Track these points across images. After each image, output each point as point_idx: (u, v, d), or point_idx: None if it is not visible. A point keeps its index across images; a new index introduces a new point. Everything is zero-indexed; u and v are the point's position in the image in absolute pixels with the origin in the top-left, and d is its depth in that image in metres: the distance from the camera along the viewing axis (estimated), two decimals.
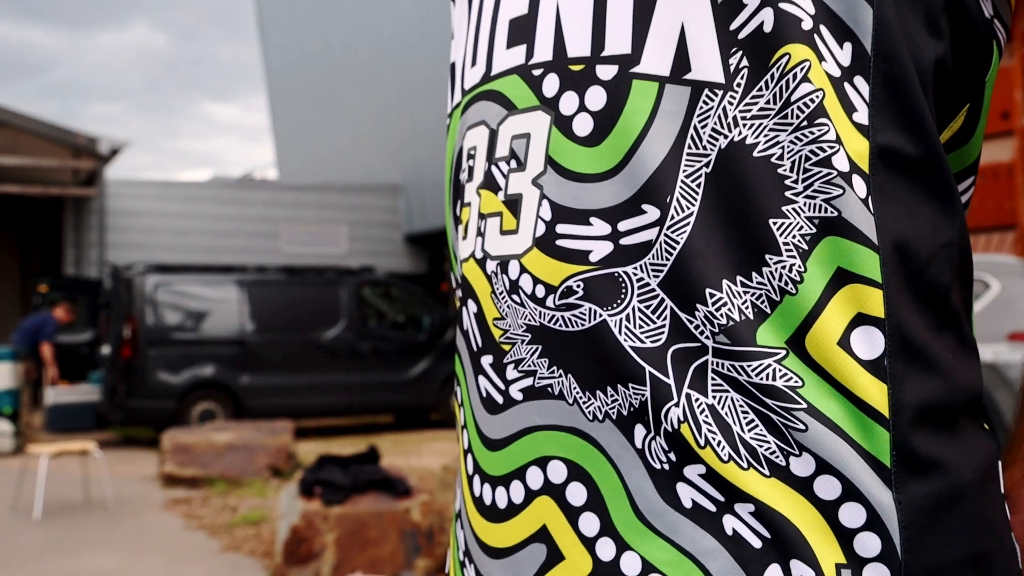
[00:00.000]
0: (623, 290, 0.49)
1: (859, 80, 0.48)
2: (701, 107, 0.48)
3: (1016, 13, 0.55)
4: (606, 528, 0.50)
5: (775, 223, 0.47)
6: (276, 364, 10.38)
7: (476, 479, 0.57)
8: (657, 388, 0.48)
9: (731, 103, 0.48)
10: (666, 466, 0.49)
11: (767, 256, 0.47)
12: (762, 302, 0.47)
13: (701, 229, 0.48)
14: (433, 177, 17.02)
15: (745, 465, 0.47)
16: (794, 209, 0.47)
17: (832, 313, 0.46)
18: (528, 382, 0.53)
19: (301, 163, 22.62)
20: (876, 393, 0.46)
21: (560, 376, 0.51)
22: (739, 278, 0.47)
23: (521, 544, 0.54)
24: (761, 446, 0.47)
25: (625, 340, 0.49)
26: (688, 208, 0.48)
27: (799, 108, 0.47)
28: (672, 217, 0.48)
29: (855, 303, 0.47)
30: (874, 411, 0.46)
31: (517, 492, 0.54)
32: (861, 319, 0.47)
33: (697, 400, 0.48)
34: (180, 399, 9.92)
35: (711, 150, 0.48)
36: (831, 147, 0.47)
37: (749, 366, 0.47)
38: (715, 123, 0.48)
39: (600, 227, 0.50)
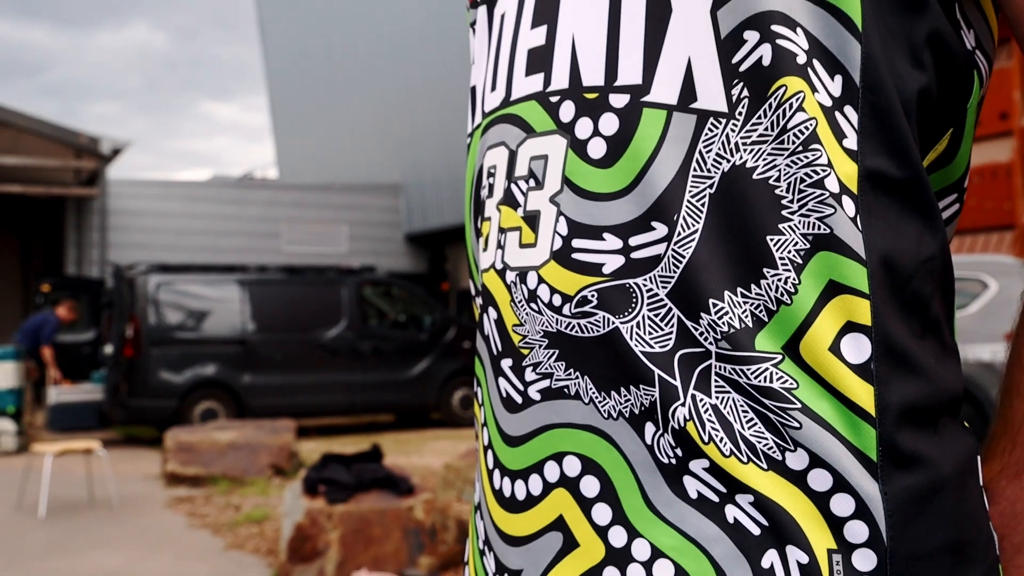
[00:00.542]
0: (634, 300, 0.54)
1: (849, 109, 0.52)
2: (706, 133, 0.53)
3: (1003, 22, 0.59)
4: (618, 517, 0.55)
5: (772, 239, 0.52)
6: (277, 363, 10.43)
7: (496, 473, 0.62)
8: (665, 389, 0.53)
9: (733, 130, 0.52)
10: (673, 460, 0.53)
11: (765, 270, 0.52)
12: (760, 311, 0.52)
13: (705, 245, 0.53)
14: (433, 177, 17.05)
15: (745, 459, 0.51)
16: (790, 227, 0.52)
17: (824, 321, 0.51)
18: (546, 384, 0.57)
19: (301, 163, 22.66)
20: (864, 394, 0.51)
21: (576, 378, 0.56)
22: (740, 289, 0.52)
23: (539, 533, 0.58)
24: (760, 442, 0.51)
25: (636, 345, 0.54)
26: (693, 225, 0.53)
27: (795, 135, 0.52)
28: (679, 233, 0.53)
29: (845, 312, 0.51)
30: (862, 410, 0.51)
31: (535, 485, 0.58)
32: (850, 327, 0.51)
33: (702, 400, 0.52)
34: (182, 398, 9.96)
35: (715, 172, 0.53)
36: (823, 170, 0.51)
37: (749, 369, 0.52)
38: (719, 148, 0.53)
39: (613, 242, 0.55)
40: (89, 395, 11.15)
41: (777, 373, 0.51)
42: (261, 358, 10.38)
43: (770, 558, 0.51)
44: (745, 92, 0.52)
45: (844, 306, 0.51)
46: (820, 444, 0.51)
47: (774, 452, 0.51)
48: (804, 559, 0.50)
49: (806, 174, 0.51)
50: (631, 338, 0.54)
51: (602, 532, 0.55)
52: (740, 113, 0.52)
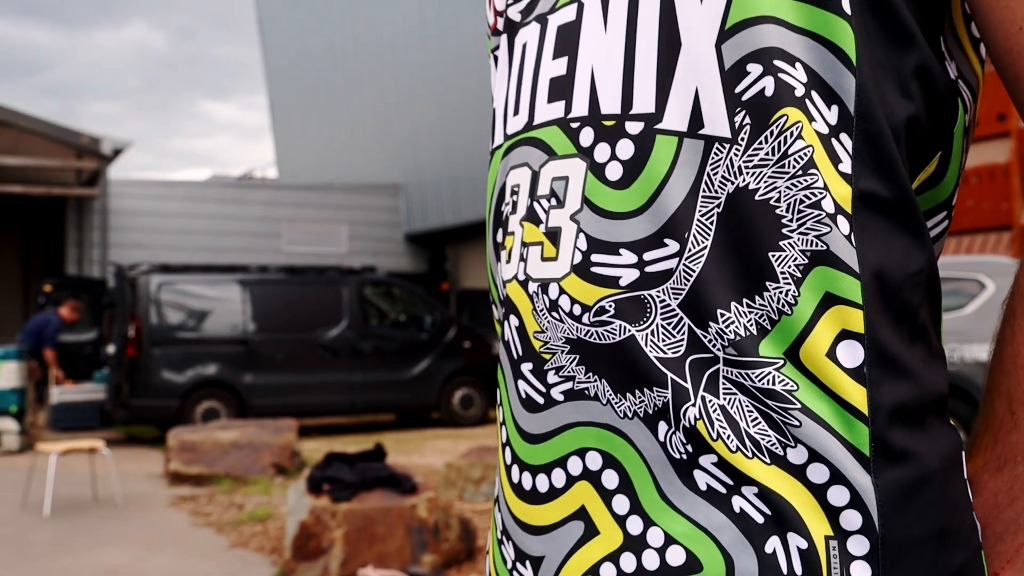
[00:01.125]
0: (648, 310, 0.59)
1: (844, 136, 0.57)
2: (713, 158, 0.58)
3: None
4: (635, 507, 0.60)
5: (774, 255, 0.57)
6: (279, 363, 10.48)
7: (515, 468, 0.67)
8: (677, 391, 0.58)
9: (736, 154, 0.58)
10: (684, 456, 0.58)
11: (767, 283, 0.57)
12: (764, 320, 0.57)
13: (713, 260, 0.58)
14: (433, 177, 17.09)
15: (750, 455, 0.57)
16: (790, 243, 0.57)
17: (821, 330, 0.56)
18: (568, 386, 0.63)
19: (301, 163, 22.68)
20: (857, 395, 0.56)
21: (595, 381, 0.61)
22: (745, 301, 0.57)
23: (561, 522, 0.63)
24: (763, 439, 0.57)
25: (650, 351, 0.59)
26: (703, 242, 0.58)
27: (794, 160, 0.57)
28: (689, 250, 0.58)
29: (840, 321, 0.57)
30: (856, 410, 0.56)
31: (559, 478, 0.63)
32: (845, 334, 0.56)
33: (710, 401, 0.58)
34: (184, 398, 10.01)
35: (721, 194, 0.58)
36: (820, 192, 0.57)
37: (753, 373, 0.57)
38: (724, 171, 0.58)
39: (628, 257, 0.60)
40: (91, 395, 11.19)
41: (779, 376, 0.57)
42: (262, 358, 10.43)
43: (773, 544, 0.56)
44: (747, 120, 0.58)
45: (839, 316, 0.56)
46: (818, 441, 0.56)
47: (776, 448, 0.56)
48: (804, 545, 0.55)
49: (804, 196, 0.57)
50: (645, 345, 0.59)
51: (620, 521, 0.60)
52: (742, 139, 0.58)
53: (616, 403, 0.60)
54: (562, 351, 0.63)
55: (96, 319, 12.44)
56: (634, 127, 0.60)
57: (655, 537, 0.59)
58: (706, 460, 0.58)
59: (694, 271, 0.58)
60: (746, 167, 0.57)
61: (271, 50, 23.54)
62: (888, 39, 0.59)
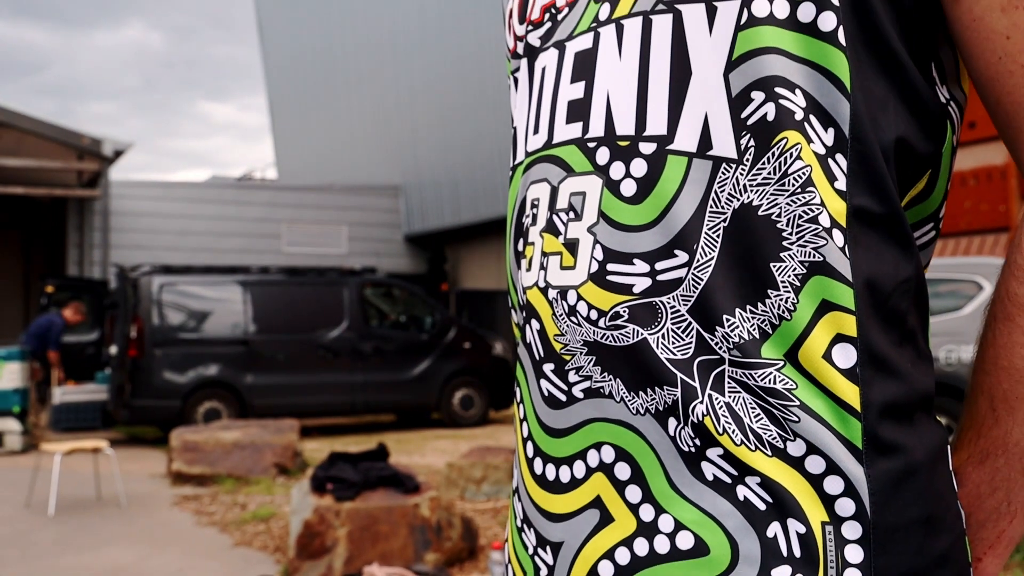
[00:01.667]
0: (659, 315, 0.65)
1: (839, 157, 0.63)
2: (720, 176, 0.63)
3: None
4: (647, 496, 0.65)
5: (775, 266, 0.62)
6: (280, 364, 10.53)
7: (537, 460, 0.73)
8: (686, 390, 0.64)
9: (742, 174, 0.63)
10: (692, 449, 0.64)
11: (769, 291, 0.62)
12: (765, 325, 0.62)
13: (720, 269, 0.63)
14: (433, 178, 17.14)
15: (753, 448, 0.62)
16: (789, 255, 0.62)
17: (818, 333, 0.62)
18: (586, 384, 0.68)
19: (301, 163, 22.72)
20: (851, 393, 0.61)
21: (611, 380, 0.67)
22: (748, 307, 0.63)
23: (579, 510, 0.69)
24: (765, 433, 0.62)
25: (661, 353, 0.64)
26: (710, 253, 0.63)
27: (794, 179, 0.62)
28: (698, 260, 0.64)
29: (835, 326, 0.62)
30: (850, 407, 0.61)
31: (579, 469, 0.69)
32: (840, 338, 0.62)
33: (717, 399, 0.63)
34: (185, 398, 10.06)
35: (728, 209, 0.63)
36: (817, 208, 0.62)
37: (756, 373, 0.62)
38: (730, 189, 0.63)
39: (641, 266, 0.65)
40: (93, 395, 11.24)
41: (779, 376, 0.62)
42: (264, 358, 10.48)
43: (774, 529, 0.61)
44: (751, 142, 0.63)
45: (835, 321, 0.62)
46: (815, 435, 0.61)
47: (777, 442, 0.62)
48: (802, 530, 0.61)
49: (803, 211, 0.62)
50: (657, 347, 0.65)
51: (634, 509, 0.66)
52: (747, 160, 0.63)
53: (630, 401, 0.66)
54: (580, 353, 0.68)
55: (98, 320, 12.48)
56: (647, 147, 0.66)
57: (666, 523, 0.64)
58: (713, 453, 0.63)
59: (702, 280, 0.63)
60: (750, 185, 0.63)
61: (271, 51, 23.58)
62: (880, 67, 0.64)
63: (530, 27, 0.78)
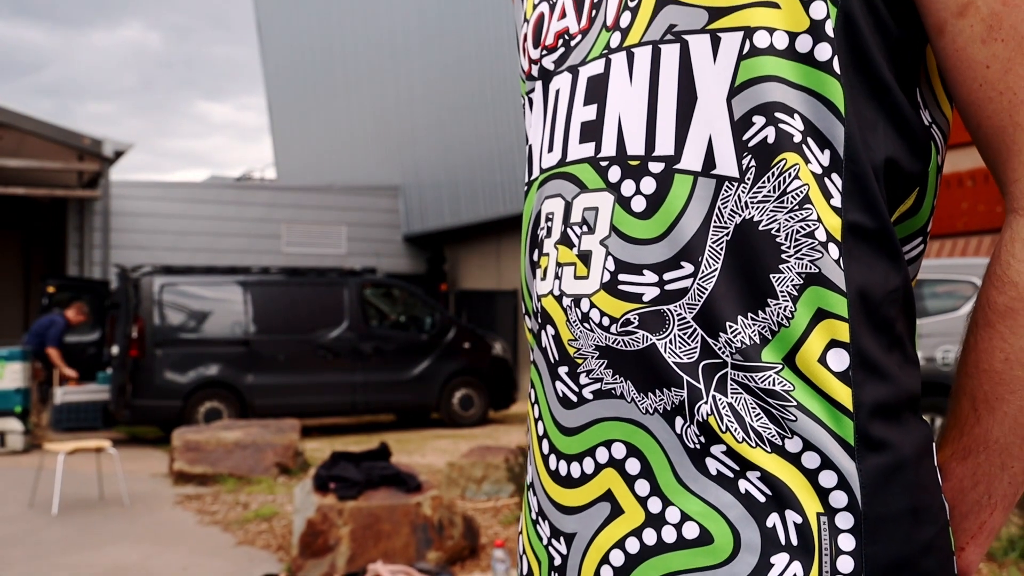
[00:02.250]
0: (667, 322, 0.70)
1: (835, 176, 0.68)
2: (723, 194, 0.69)
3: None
4: (655, 490, 0.70)
5: (774, 277, 0.67)
6: (280, 364, 10.58)
7: (552, 457, 0.78)
8: (691, 391, 0.69)
9: (743, 192, 0.68)
10: (697, 446, 0.69)
11: (769, 300, 0.68)
12: (766, 331, 0.68)
13: (723, 280, 0.68)
14: (432, 178, 17.19)
15: (754, 445, 0.67)
16: (788, 267, 0.67)
17: (814, 339, 0.67)
18: (597, 386, 0.73)
19: (300, 164, 22.75)
20: (844, 395, 0.67)
21: (621, 382, 0.72)
22: (749, 314, 0.68)
23: (591, 503, 0.74)
24: (765, 431, 0.67)
25: (669, 357, 0.70)
26: (714, 265, 0.69)
27: (792, 196, 0.67)
28: (702, 271, 0.69)
29: (829, 332, 0.67)
30: (843, 407, 0.67)
31: (589, 465, 0.74)
32: (834, 343, 0.67)
33: (720, 399, 0.68)
34: (186, 398, 10.10)
35: (730, 224, 0.68)
36: (814, 224, 0.67)
37: (757, 376, 0.67)
38: (733, 205, 0.68)
39: (650, 277, 0.70)
40: (94, 395, 11.28)
41: (778, 379, 0.67)
42: (264, 358, 10.53)
43: (773, 519, 0.66)
44: (753, 162, 0.68)
45: (829, 328, 0.67)
46: (811, 433, 0.66)
47: (776, 439, 0.67)
48: (799, 520, 0.66)
49: (801, 227, 0.67)
50: (664, 351, 0.70)
51: (642, 502, 0.71)
52: (749, 179, 0.68)
53: (639, 401, 0.71)
54: (592, 356, 0.73)
55: (99, 320, 12.53)
56: (656, 166, 0.71)
57: (672, 515, 0.70)
58: (716, 449, 0.68)
59: (706, 289, 0.69)
60: (752, 202, 0.68)
61: (270, 51, 23.61)
62: (870, 93, 0.69)
63: (544, 51, 0.83)
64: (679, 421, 0.70)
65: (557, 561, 0.77)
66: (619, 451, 0.72)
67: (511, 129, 14.56)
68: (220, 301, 10.59)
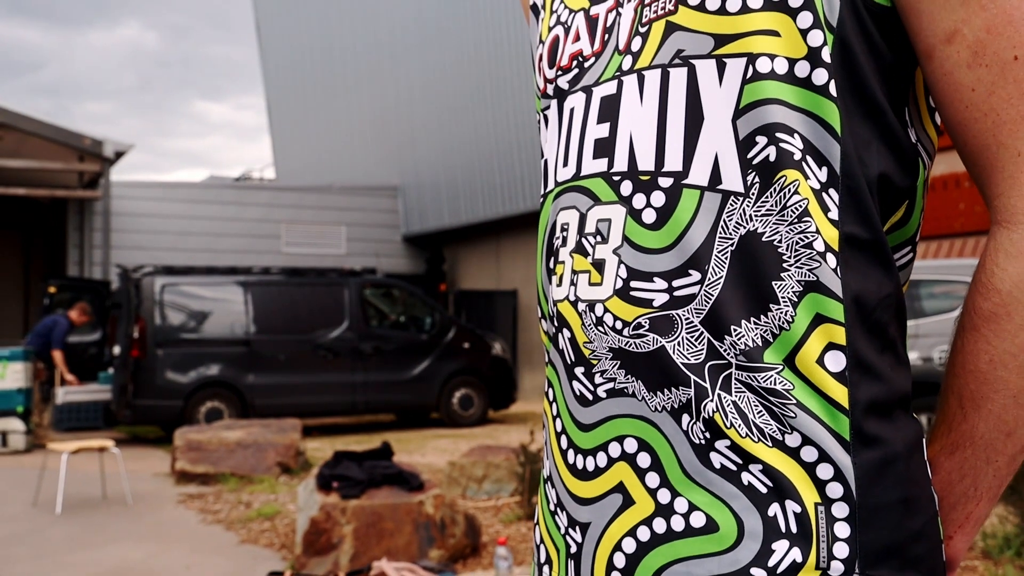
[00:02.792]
0: (676, 325, 0.75)
1: (832, 191, 0.73)
2: (728, 207, 0.74)
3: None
4: (664, 482, 0.76)
5: (776, 284, 0.73)
6: (281, 364, 10.63)
7: (569, 452, 0.83)
8: (698, 390, 0.74)
9: (748, 205, 0.73)
10: (703, 441, 0.74)
11: (771, 305, 0.73)
12: (768, 334, 0.73)
13: (728, 287, 0.74)
14: (431, 178, 17.23)
15: (756, 440, 0.72)
16: (788, 275, 0.73)
17: (812, 342, 0.72)
18: (610, 385, 0.78)
19: (299, 164, 22.77)
20: (840, 394, 0.72)
21: (633, 381, 0.77)
22: (752, 319, 0.73)
23: (604, 495, 0.79)
24: (766, 427, 0.72)
25: (677, 358, 0.75)
26: (719, 273, 0.74)
27: (792, 210, 0.73)
28: (709, 278, 0.74)
29: (827, 335, 0.72)
30: (839, 405, 0.72)
31: (602, 459, 0.79)
32: (831, 346, 0.72)
33: (725, 398, 0.73)
34: (187, 398, 10.15)
35: (735, 235, 0.74)
36: (813, 236, 0.72)
37: (759, 376, 0.73)
38: (737, 218, 0.74)
39: (660, 284, 0.76)
40: (95, 395, 11.33)
41: (779, 378, 0.72)
42: (265, 358, 10.58)
43: (774, 509, 0.72)
44: (756, 178, 0.73)
45: (827, 331, 0.72)
46: (809, 429, 0.72)
47: (776, 434, 0.72)
48: (798, 509, 0.71)
49: (800, 238, 0.73)
50: (673, 353, 0.75)
51: (652, 493, 0.76)
52: (752, 193, 0.73)
53: (649, 399, 0.76)
54: (606, 358, 0.78)
55: (100, 320, 12.57)
56: (665, 181, 0.76)
57: (680, 505, 0.75)
58: (721, 444, 0.74)
59: (712, 295, 0.74)
60: (755, 215, 0.73)
61: (269, 51, 23.64)
62: (865, 114, 0.75)
63: (559, 72, 0.88)
64: (686, 418, 0.75)
65: (573, 549, 0.82)
66: (631, 446, 0.78)
67: (510, 130, 14.61)
68: (221, 301, 10.64)
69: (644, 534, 0.76)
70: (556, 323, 0.84)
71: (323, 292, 11.06)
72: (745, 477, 0.73)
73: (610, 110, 0.81)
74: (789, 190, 0.73)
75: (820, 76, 0.73)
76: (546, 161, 0.91)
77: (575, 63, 0.86)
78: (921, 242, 7.58)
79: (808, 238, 0.72)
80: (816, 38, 0.73)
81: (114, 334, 11.22)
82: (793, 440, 0.72)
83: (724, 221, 0.74)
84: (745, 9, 0.74)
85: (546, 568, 0.88)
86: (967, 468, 0.77)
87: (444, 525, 4.84)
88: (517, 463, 5.83)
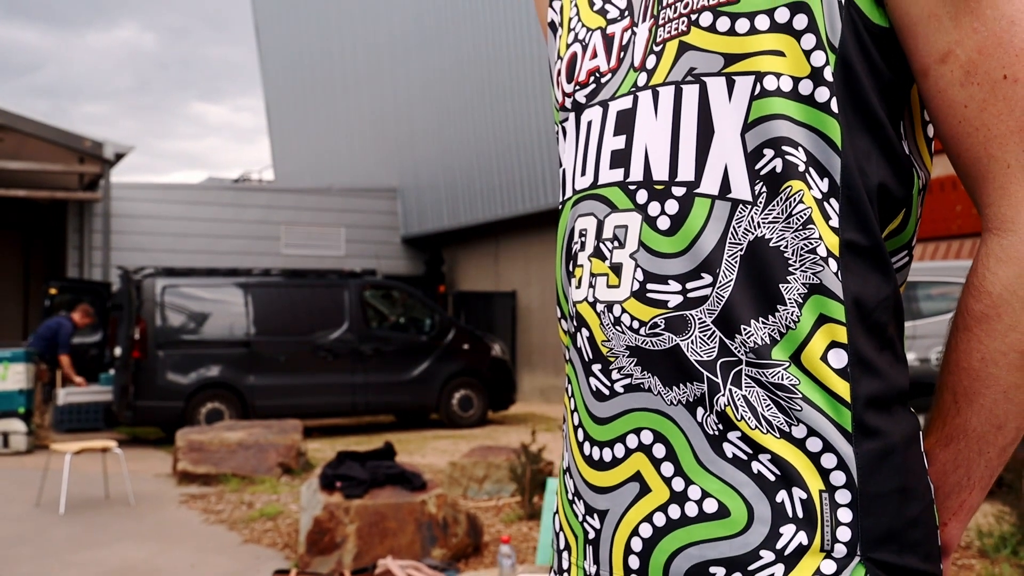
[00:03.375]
0: (689, 325, 0.80)
1: (833, 200, 0.79)
2: (737, 215, 0.79)
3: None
4: (678, 471, 0.81)
5: (783, 286, 0.78)
6: (281, 365, 10.67)
7: (586, 444, 0.88)
8: (711, 385, 0.79)
9: (756, 213, 0.79)
10: (716, 432, 0.80)
11: (778, 306, 0.78)
12: (775, 333, 0.78)
13: (738, 289, 0.79)
14: (430, 180, 17.28)
15: (765, 431, 0.78)
16: (794, 278, 0.78)
17: (817, 340, 0.78)
18: (628, 381, 0.84)
19: (298, 165, 22.82)
20: (843, 388, 0.77)
21: (649, 377, 0.82)
22: (761, 318, 0.78)
23: (621, 484, 0.84)
24: (774, 420, 0.78)
25: (691, 355, 0.80)
26: (729, 276, 0.79)
27: (797, 218, 0.78)
28: (720, 281, 0.79)
29: (830, 334, 0.78)
30: (842, 399, 0.77)
31: (620, 450, 0.84)
32: (834, 344, 0.78)
33: (735, 392, 0.79)
34: (188, 399, 10.19)
35: (744, 241, 0.79)
36: (816, 242, 0.78)
37: (768, 371, 0.78)
38: (746, 225, 0.79)
39: (674, 286, 0.81)
40: (96, 396, 11.36)
41: (786, 374, 0.78)
42: (265, 360, 10.62)
43: (782, 496, 0.77)
44: (763, 188, 0.79)
45: (830, 331, 0.78)
46: (814, 421, 0.77)
47: (784, 426, 0.78)
48: (804, 496, 0.76)
49: (804, 244, 0.78)
50: (687, 350, 0.80)
51: (667, 481, 0.81)
52: (760, 202, 0.79)
53: (665, 394, 0.82)
54: (624, 355, 0.84)
55: (101, 322, 12.60)
56: (678, 190, 0.81)
57: (694, 493, 0.80)
58: (732, 435, 0.79)
59: (724, 297, 0.79)
60: (763, 222, 0.78)
61: (268, 52, 23.68)
62: (864, 128, 0.80)
63: (577, 87, 0.93)
64: (700, 411, 0.80)
65: (591, 535, 0.88)
66: (647, 437, 0.83)
67: (509, 132, 14.67)
68: (221, 303, 10.68)
69: (660, 520, 0.81)
70: (575, 323, 0.89)
71: (323, 294, 11.10)
72: (755, 466, 0.78)
73: (626, 123, 0.86)
74: (794, 199, 0.78)
75: (822, 94, 0.78)
76: (564, 171, 0.96)
77: (592, 79, 0.91)
78: (919, 244, 7.63)
79: (812, 244, 0.78)
80: (819, 58, 0.78)
81: (115, 335, 11.26)
82: (799, 431, 0.77)
83: (734, 228, 0.79)
84: (753, 31, 0.79)
85: (565, 554, 0.93)
86: (961, 459, 0.82)
87: (447, 524, 4.89)
88: (517, 464, 5.88)
